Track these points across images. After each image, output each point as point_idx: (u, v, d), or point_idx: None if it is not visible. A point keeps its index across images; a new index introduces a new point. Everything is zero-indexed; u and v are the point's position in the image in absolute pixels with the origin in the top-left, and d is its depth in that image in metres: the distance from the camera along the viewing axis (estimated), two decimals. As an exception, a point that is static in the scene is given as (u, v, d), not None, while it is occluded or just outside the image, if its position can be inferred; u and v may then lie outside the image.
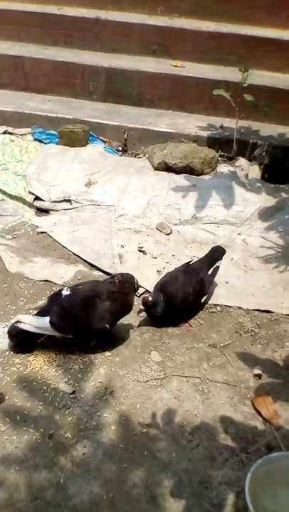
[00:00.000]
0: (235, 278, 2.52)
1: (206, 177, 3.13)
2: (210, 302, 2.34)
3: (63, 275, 2.46)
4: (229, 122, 3.46)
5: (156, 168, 3.22)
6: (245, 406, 1.83)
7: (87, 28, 3.98)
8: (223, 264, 2.65)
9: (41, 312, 1.98)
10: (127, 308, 2.07)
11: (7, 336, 1.98)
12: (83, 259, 2.58)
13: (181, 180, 3.10)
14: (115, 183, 3.07)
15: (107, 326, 1.98)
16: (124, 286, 2.02)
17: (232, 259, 2.65)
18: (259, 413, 1.79)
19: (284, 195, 2.97)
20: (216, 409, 1.81)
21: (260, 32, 3.81)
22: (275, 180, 3.07)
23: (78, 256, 2.60)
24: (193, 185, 3.05)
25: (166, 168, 3.18)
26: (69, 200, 2.99)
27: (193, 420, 1.77)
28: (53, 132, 3.46)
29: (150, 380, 1.92)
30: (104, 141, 3.52)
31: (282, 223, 2.82)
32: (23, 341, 1.98)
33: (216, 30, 3.86)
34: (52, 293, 2.16)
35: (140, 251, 2.70)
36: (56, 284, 2.38)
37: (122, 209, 2.94)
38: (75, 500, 1.50)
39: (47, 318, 1.92)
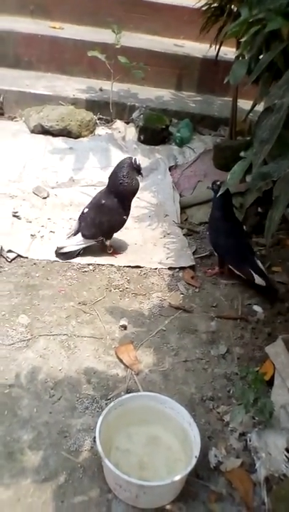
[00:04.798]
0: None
1: (83, 139, 3.09)
2: (83, 262, 2.33)
3: None
4: (109, 85, 3.42)
5: (32, 131, 3.11)
6: (109, 356, 1.86)
7: None
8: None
9: (74, 233, 2.36)
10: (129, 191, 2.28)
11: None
12: None
13: (58, 143, 3.03)
14: (-12, 147, 2.92)
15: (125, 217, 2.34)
16: (116, 177, 2.25)
17: (108, 219, 2.66)
18: (121, 361, 1.83)
19: (157, 155, 3.03)
20: (81, 362, 1.82)
21: (136, -6, 3.80)
22: (150, 141, 3.12)
23: None
24: (70, 147, 2.99)
25: (43, 131, 3.09)
26: None
27: (57, 375, 1.76)
28: None
29: (16, 343, 1.87)
30: (-21, 105, 3.32)
31: (155, 183, 2.87)
32: (69, 257, 2.34)
33: (93, -9, 3.79)
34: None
35: (14, 216, 2.61)
36: None
37: (-5, 174, 2.82)
38: None
39: (79, 234, 2.32)
